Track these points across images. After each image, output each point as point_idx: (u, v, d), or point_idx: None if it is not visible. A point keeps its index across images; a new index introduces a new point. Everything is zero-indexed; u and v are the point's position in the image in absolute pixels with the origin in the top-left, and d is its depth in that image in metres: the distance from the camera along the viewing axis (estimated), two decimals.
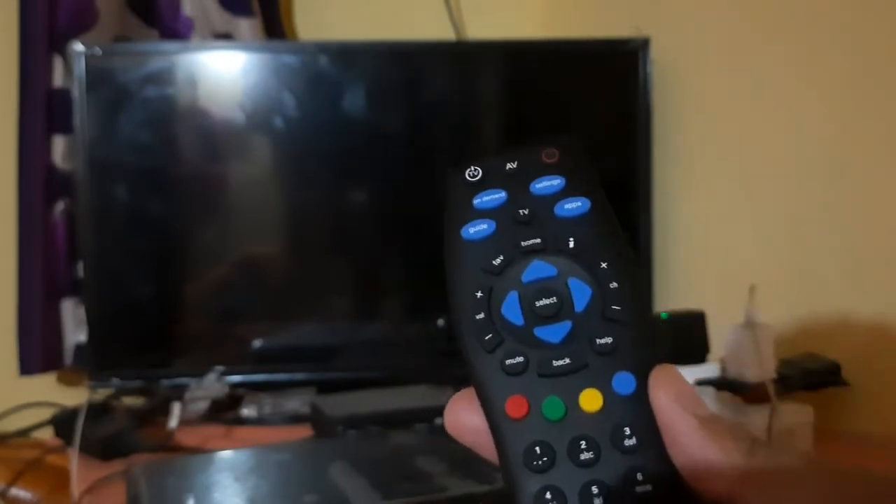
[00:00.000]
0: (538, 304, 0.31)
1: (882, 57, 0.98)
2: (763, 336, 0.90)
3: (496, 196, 0.33)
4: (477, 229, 0.32)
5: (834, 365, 0.96)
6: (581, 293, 0.31)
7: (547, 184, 0.33)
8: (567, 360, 0.31)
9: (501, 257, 0.32)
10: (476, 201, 0.33)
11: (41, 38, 1.15)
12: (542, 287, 0.32)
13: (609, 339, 0.31)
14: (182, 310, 1.21)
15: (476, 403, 0.31)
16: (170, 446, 0.97)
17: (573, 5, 1.36)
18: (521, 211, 0.33)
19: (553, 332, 0.31)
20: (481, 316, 0.31)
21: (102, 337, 1.15)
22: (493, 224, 0.32)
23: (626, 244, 0.32)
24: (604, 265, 0.32)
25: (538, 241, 0.32)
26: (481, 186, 0.33)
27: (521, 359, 0.31)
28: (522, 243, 0.32)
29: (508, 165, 0.33)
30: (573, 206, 0.32)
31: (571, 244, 0.32)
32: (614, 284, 0.31)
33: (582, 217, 0.32)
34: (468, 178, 0.33)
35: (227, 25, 1.22)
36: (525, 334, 0.31)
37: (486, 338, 0.31)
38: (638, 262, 0.33)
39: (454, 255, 0.33)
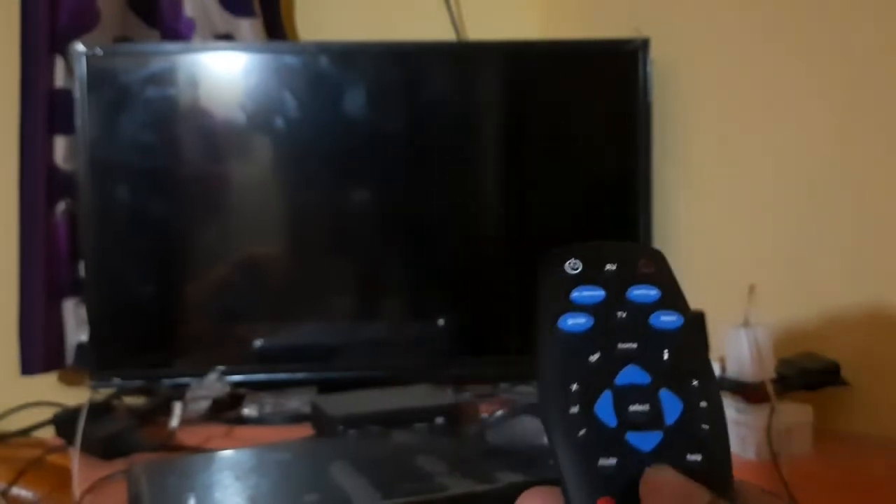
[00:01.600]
0: (631, 408, 0.31)
1: (882, 57, 0.98)
2: (762, 336, 0.90)
3: (595, 293, 0.33)
4: (575, 322, 0.33)
5: (833, 364, 0.96)
6: (672, 406, 0.32)
7: (644, 292, 0.33)
8: None
9: (599, 354, 0.32)
10: (575, 294, 0.33)
11: (42, 39, 1.15)
12: (635, 392, 0.32)
13: (699, 457, 0.31)
14: (183, 310, 1.21)
15: (555, 500, 0.31)
16: (171, 446, 0.97)
17: (573, 6, 1.37)
18: (618, 313, 0.33)
19: (645, 440, 0.31)
20: (574, 410, 0.31)
21: (104, 336, 1.15)
22: (592, 319, 0.33)
23: (711, 365, 0.33)
24: (695, 383, 0.32)
25: (635, 345, 0.32)
26: (581, 280, 0.33)
27: (613, 461, 0.31)
28: (619, 345, 0.32)
29: (608, 266, 0.34)
30: (669, 319, 0.33)
31: (666, 356, 0.32)
32: (704, 404, 0.32)
33: (676, 331, 0.33)
34: (568, 269, 0.33)
35: (229, 26, 1.22)
36: (616, 437, 0.31)
37: (579, 434, 0.31)
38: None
39: (548, 344, 0.32)
